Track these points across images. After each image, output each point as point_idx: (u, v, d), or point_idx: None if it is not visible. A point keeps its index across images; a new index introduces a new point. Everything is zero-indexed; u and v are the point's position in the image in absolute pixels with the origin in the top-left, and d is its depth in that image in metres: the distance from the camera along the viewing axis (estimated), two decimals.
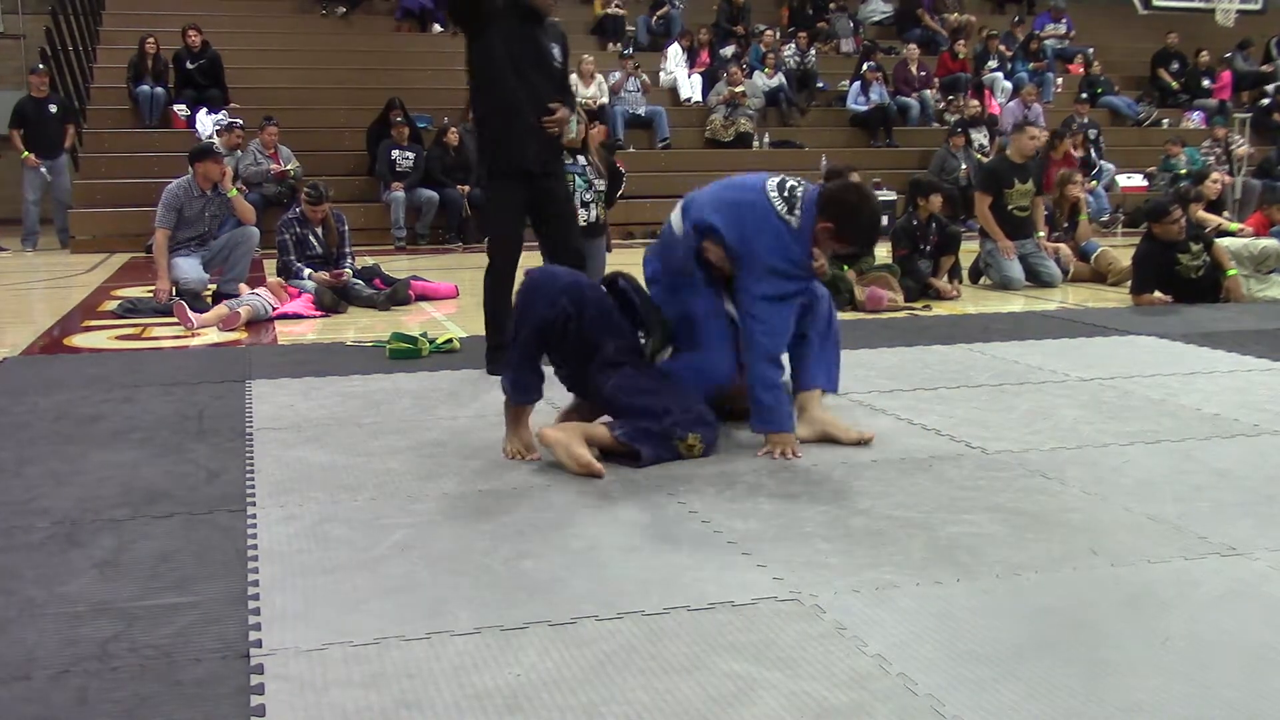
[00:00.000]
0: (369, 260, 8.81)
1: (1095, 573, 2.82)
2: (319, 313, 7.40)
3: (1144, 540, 3.05)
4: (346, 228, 8.19)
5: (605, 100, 14.63)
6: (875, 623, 2.50)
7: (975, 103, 15.54)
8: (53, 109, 12.44)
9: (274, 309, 7.18)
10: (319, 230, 7.96)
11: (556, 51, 5.17)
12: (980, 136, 15.04)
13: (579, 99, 14.07)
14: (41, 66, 13.12)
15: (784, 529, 3.12)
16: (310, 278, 7.73)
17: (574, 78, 14.57)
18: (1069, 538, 3.06)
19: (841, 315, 7.19)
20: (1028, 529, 3.13)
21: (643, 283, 4.06)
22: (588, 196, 7.28)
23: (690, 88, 15.96)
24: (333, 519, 3.20)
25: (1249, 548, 2.98)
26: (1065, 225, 9.52)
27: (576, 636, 2.42)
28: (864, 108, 15.83)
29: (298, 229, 7.94)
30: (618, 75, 15.00)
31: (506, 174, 5.06)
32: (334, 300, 7.51)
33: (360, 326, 7.00)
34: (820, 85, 16.64)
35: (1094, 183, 14.69)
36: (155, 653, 2.35)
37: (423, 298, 8.16)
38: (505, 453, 3.82)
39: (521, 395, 3.83)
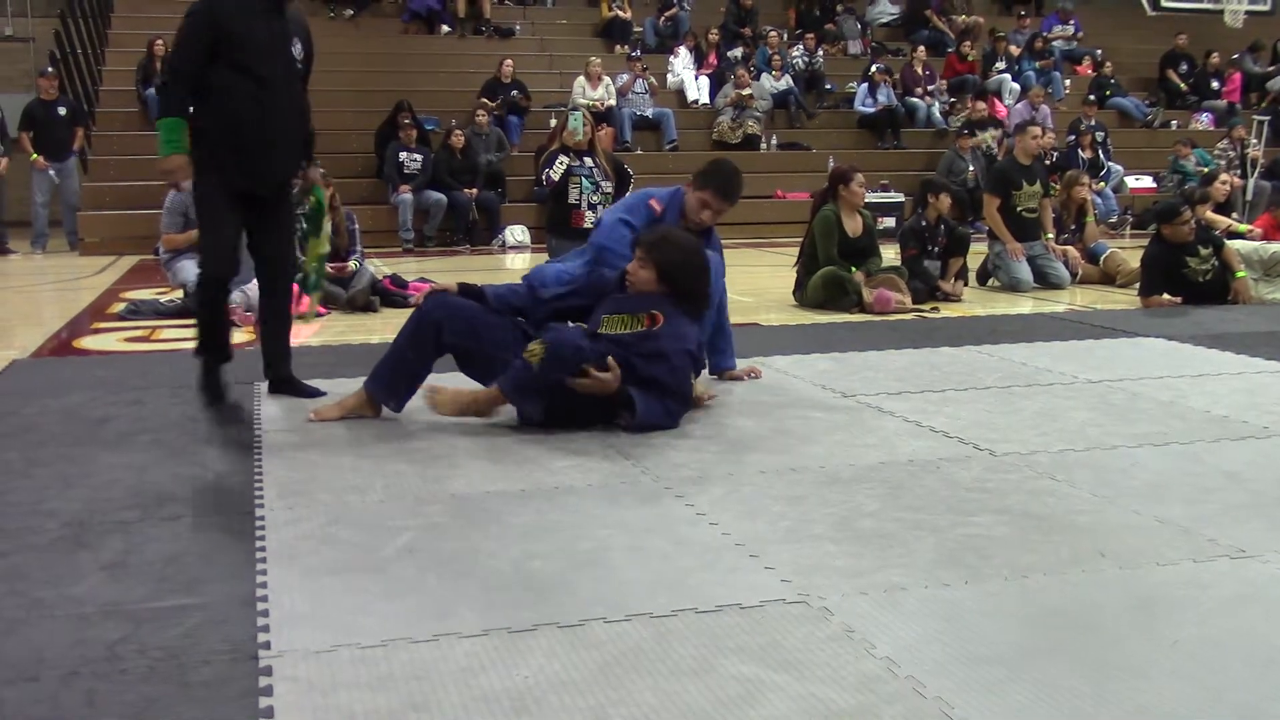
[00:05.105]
0: (378, 262, 8.78)
1: (1104, 575, 2.81)
2: (323, 309, 7.43)
3: (1152, 542, 3.04)
4: (357, 227, 8.19)
5: (613, 102, 14.64)
6: (883, 625, 2.50)
7: (981, 105, 15.52)
8: (62, 111, 12.48)
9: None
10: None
11: (298, 46, 4.69)
12: (987, 138, 15.02)
13: (586, 101, 14.14)
14: (50, 69, 13.15)
15: (792, 531, 3.12)
16: None
17: (581, 79, 14.61)
18: (1077, 540, 3.05)
19: (849, 317, 7.24)
20: (1036, 531, 3.12)
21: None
22: (595, 198, 7.29)
23: (698, 90, 15.96)
24: (341, 521, 3.20)
25: (1258, 550, 2.97)
26: (1073, 227, 9.51)
27: (584, 639, 2.42)
28: (871, 109, 15.82)
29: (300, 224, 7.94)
30: (625, 77, 15.01)
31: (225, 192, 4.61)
32: (334, 285, 7.53)
33: (366, 329, 7.01)
34: (828, 87, 16.63)
35: (1102, 184, 14.67)
36: (163, 654, 2.35)
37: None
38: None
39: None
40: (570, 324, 4.41)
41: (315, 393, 4.78)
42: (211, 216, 4.63)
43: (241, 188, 4.57)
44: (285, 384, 4.84)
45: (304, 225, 5.14)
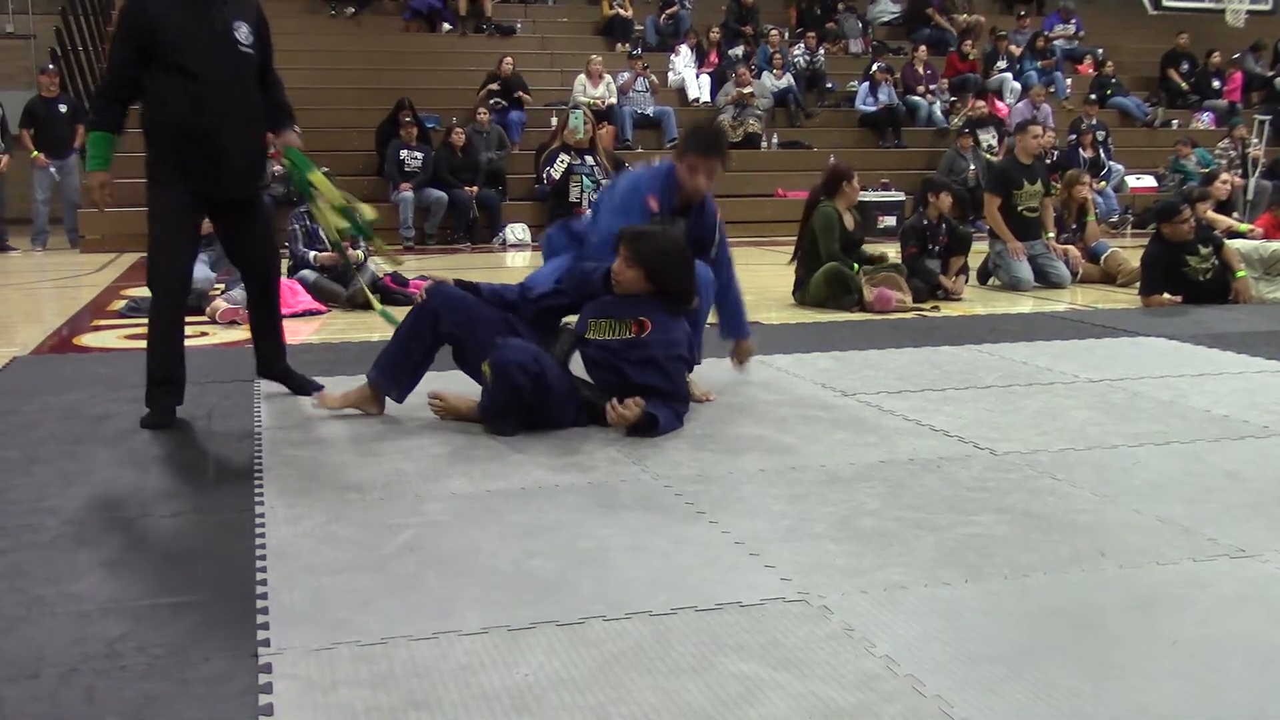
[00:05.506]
0: (379, 260, 8.76)
1: (1104, 574, 2.81)
2: (324, 307, 7.46)
3: (1153, 542, 3.04)
4: None
5: (614, 100, 14.64)
6: (883, 624, 2.50)
7: (981, 104, 15.52)
8: (62, 109, 12.47)
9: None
10: None
11: (244, 29, 4.28)
12: (988, 137, 15.02)
13: (587, 99, 14.15)
14: (51, 66, 13.14)
15: (792, 530, 3.12)
16: (315, 260, 7.77)
17: (582, 77, 14.60)
18: (1077, 539, 3.05)
19: (850, 316, 7.24)
20: (1036, 530, 3.12)
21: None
22: (596, 196, 7.29)
23: (698, 88, 15.95)
24: (341, 519, 3.20)
25: (1258, 549, 2.97)
26: (1074, 226, 9.51)
27: (584, 637, 2.42)
28: (873, 108, 15.82)
29: (308, 221, 7.96)
30: (626, 75, 15.00)
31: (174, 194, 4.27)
32: (335, 282, 7.57)
33: (366, 326, 7.00)
34: (829, 86, 16.62)
35: (1103, 183, 14.67)
36: (163, 652, 2.36)
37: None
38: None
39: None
40: (567, 324, 4.42)
41: (312, 386, 4.75)
42: (161, 228, 4.28)
43: (193, 191, 4.26)
44: (281, 375, 4.79)
45: (302, 210, 4.83)
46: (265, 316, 4.73)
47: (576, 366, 4.35)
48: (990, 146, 14.83)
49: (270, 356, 4.78)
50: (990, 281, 9.02)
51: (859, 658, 2.33)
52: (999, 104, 16.16)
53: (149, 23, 4.12)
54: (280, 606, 2.58)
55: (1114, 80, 17.54)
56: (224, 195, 4.35)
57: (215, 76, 4.17)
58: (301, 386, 4.77)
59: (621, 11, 17.00)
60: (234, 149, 4.27)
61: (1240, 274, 7.91)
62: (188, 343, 4.49)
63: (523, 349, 4.08)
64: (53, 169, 12.26)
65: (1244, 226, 10.60)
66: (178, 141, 4.18)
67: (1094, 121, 15.57)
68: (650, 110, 15.00)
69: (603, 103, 14.29)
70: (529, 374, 4.01)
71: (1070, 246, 9.24)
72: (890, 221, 13.21)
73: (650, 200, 4.62)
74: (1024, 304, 8.10)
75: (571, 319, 4.42)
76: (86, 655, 2.34)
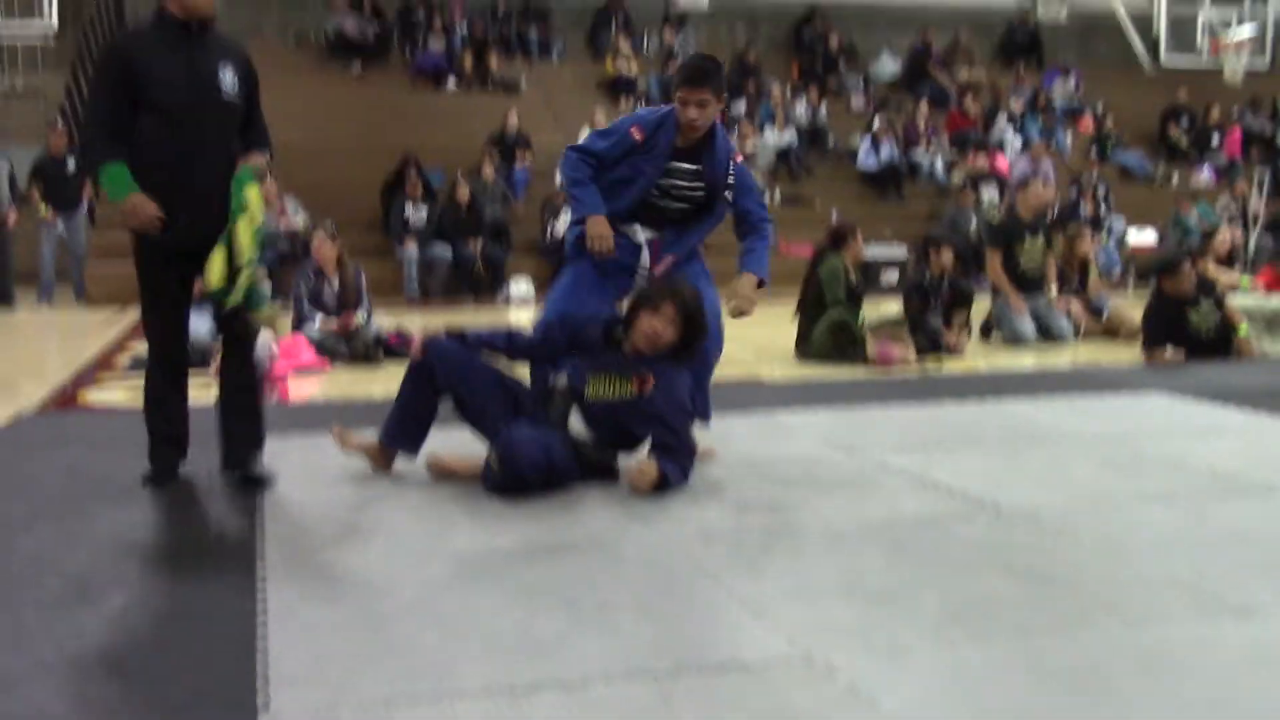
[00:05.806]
0: (386, 318, 8.78)
1: (1109, 633, 2.80)
2: (324, 361, 7.48)
3: (1158, 600, 3.03)
4: (364, 281, 8.24)
5: None
6: (889, 684, 2.48)
7: (982, 160, 15.64)
8: (70, 165, 12.55)
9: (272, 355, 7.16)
10: (334, 282, 8.01)
11: (228, 77, 4.09)
12: (990, 193, 15.11)
13: None
14: (60, 124, 13.25)
15: (796, 589, 3.10)
16: (318, 324, 7.81)
17: (586, 130, 14.70)
18: (1083, 597, 3.04)
19: (852, 373, 7.25)
20: (1041, 588, 3.11)
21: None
22: None
23: None
24: (342, 578, 3.19)
25: (1264, 608, 2.96)
26: (1076, 281, 9.54)
27: (586, 698, 2.41)
28: (874, 164, 15.92)
29: (313, 280, 8.01)
30: None
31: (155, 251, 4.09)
32: (336, 344, 7.61)
33: (368, 381, 7.02)
34: (830, 142, 16.74)
35: (1104, 238, 14.74)
36: (165, 711, 2.34)
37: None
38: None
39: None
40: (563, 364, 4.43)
41: (268, 483, 4.24)
42: (147, 284, 4.14)
43: (174, 244, 4.05)
44: (242, 465, 4.24)
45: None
46: (242, 387, 4.31)
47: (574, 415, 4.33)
48: (992, 202, 14.92)
49: (239, 442, 4.26)
50: (992, 336, 9.04)
51: (864, 719, 2.32)
52: (1000, 159, 16.28)
53: (129, 65, 3.96)
54: (280, 666, 2.57)
55: (1114, 136, 17.68)
56: (201, 245, 4.08)
57: (190, 117, 4.00)
58: (258, 482, 4.19)
59: (625, 68, 17.15)
60: (210, 197, 4.04)
61: (1242, 329, 7.92)
62: (190, 398, 4.47)
63: (531, 441, 4.03)
64: (60, 225, 12.32)
65: (1244, 281, 10.64)
66: (154, 189, 3.96)
67: (1095, 176, 15.67)
68: None
69: None
70: (538, 468, 4.00)
71: (1073, 300, 9.27)
72: (893, 277, 13.27)
73: (634, 130, 4.49)
74: (1026, 359, 8.11)
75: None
76: (88, 715, 2.33)
